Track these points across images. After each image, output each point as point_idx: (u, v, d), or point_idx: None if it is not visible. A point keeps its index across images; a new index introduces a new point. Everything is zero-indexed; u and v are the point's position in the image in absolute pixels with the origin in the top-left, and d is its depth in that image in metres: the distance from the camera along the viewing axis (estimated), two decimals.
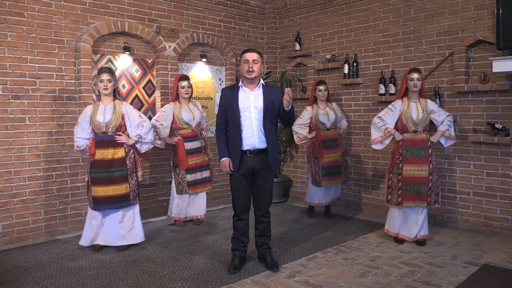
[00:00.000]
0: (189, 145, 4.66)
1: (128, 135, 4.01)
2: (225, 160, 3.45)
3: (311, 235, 4.48)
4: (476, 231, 4.55)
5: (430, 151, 4.08)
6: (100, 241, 4.01)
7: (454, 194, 4.71)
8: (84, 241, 3.99)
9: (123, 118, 3.94)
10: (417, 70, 4.12)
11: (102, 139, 3.89)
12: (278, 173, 6.36)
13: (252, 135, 3.40)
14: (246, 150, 3.41)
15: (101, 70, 3.93)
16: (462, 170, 4.65)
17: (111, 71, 3.95)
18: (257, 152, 3.42)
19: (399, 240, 4.20)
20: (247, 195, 3.52)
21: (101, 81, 3.88)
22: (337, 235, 4.49)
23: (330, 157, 5.03)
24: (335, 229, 4.73)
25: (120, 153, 3.91)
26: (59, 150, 4.52)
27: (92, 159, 3.87)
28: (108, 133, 3.89)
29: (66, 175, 4.57)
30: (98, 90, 3.97)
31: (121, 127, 3.94)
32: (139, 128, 4.01)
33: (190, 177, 4.68)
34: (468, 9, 4.53)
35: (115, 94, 4.03)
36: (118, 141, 3.91)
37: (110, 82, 3.90)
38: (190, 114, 4.70)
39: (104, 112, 3.90)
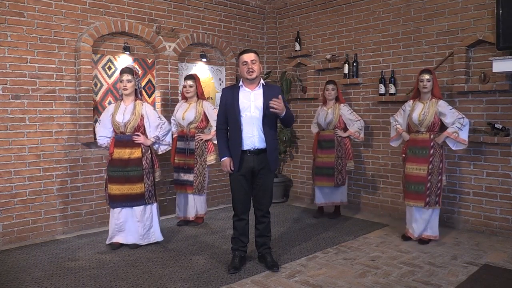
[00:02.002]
0: (178, 144, 4.77)
1: (146, 136, 4.04)
2: (226, 160, 3.45)
3: (311, 235, 4.48)
4: (476, 231, 4.55)
5: (431, 152, 4.08)
6: (120, 239, 4.05)
7: (454, 194, 4.71)
8: (108, 239, 4.08)
9: (142, 118, 3.99)
10: (428, 72, 4.14)
11: (121, 139, 3.95)
12: (278, 173, 6.36)
13: (252, 134, 3.40)
14: (246, 150, 3.41)
15: (122, 71, 3.97)
16: (462, 170, 4.65)
17: (131, 72, 3.98)
18: (257, 152, 3.42)
19: (406, 238, 4.25)
20: (247, 195, 3.52)
21: (121, 81, 3.94)
22: (337, 235, 4.49)
23: (322, 158, 5.08)
24: (335, 229, 4.73)
25: (136, 153, 3.96)
26: (59, 150, 4.52)
27: (110, 158, 3.94)
28: (127, 133, 3.94)
29: (66, 175, 4.57)
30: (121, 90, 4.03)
31: (140, 128, 3.99)
32: (157, 130, 4.06)
33: (174, 175, 4.82)
34: (468, 9, 4.53)
35: (137, 94, 4.07)
36: (136, 141, 3.96)
37: (129, 82, 3.94)
38: (181, 114, 4.71)
39: (124, 112, 3.96)
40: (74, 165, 4.62)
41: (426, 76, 4.10)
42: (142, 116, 4.00)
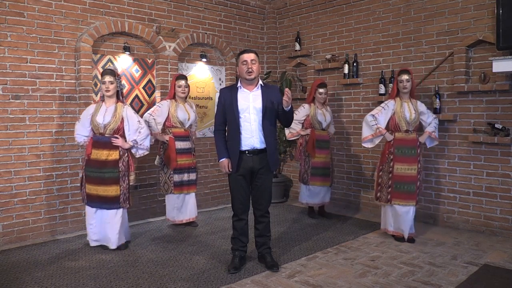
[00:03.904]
0: (179, 145, 4.64)
1: (125, 139, 4.01)
2: (224, 161, 3.45)
3: (311, 235, 4.48)
4: (476, 231, 4.55)
5: (419, 151, 4.16)
6: (101, 240, 4.05)
7: (454, 194, 4.71)
8: (89, 240, 4.08)
9: (122, 121, 3.96)
10: (406, 72, 4.18)
11: (99, 140, 3.93)
12: (278, 173, 6.36)
13: (252, 135, 3.40)
14: (245, 150, 3.41)
15: (104, 72, 3.96)
16: (462, 170, 4.65)
17: (113, 73, 3.97)
18: (256, 152, 3.42)
19: (399, 238, 4.24)
20: (246, 195, 3.52)
21: (103, 82, 3.92)
22: (337, 235, 4.49)
23: (321, 158, 5.07)
24: (335, 229, 4.72)
25: (114, 155, 3.93)
26: (59, 150, 4.52)
27: (87, 158, 3.93)
28: (106, 135, 3.92)
29: (66, 175, 4.57)
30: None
31: (119, 130, 3.96)
32: (136, 134, 4.00)
33: (177, 178, 4.65)
34: (468, 9, 4.53)
35: (119, 96, 4.06)
36: (114, 144, 3.93)
37: (112, 84, 3.92)
38: (186, 114, 4.69)
39: (105, 114, 3.94)
40: (74, 165, 4.61)
41: (406, 77, 4.15)
42: (122, 118, 3.96)
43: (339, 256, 3.84)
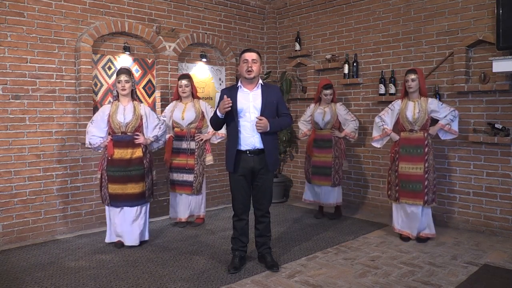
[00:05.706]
0: (176, 144, 4.72)
1: (143, 135, 4.12)
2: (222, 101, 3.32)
3: (311, 235, 4.48)
4: (476, 231, 4.55)
5: (426, 150, 4.13)
6: (120, 239, 4.10)
7: (454, 194, 4.71)
8: (107, 238, 4.15)
9: (141, 119, 4.05)
10: (413, 71, 4.19)
11: (122, 139, 3.97)
12: (278, 173, 6.36)
13: (252, 135, 3.40)
14: (246, 150, 3.41)
15: (120, 71, 4.01)
16: (462, 170, 4.65)
17: (129, 72, 4.04)
18: (257, 152, 3.42)
19: (404, 238, 4.25)
20: (246, 196, 3.52)
21: (119, 81, 3.97)
22: (337, 235, 4.49)
23: (320, 157, 5.06)
24: (335, 229, 4.73)
25: (138, 152, 4.02)
26: (59, 150, 4.52)
27: (110, 158, 3.95)
28: (128, 133, 3.96)
29: (66, 175, 4.57)
30: (116, 91, 4.05)
31: (139, 128, 4.05)
32: (156, 129, 4.15)
33: (171, 176, 4.76)
34: (468, 9, 4.53)
35: (133, 94, 4.12)
36: (136, 142, 4.01)
37: (127, 83, 3.98)
38: (181, 113, 4.69)
39: (124, 113, 3.99)
40: (74, 165, 4.61)
41: (412, 76, 4.16)
42: (141, 116, 4.06)
43: (339, 256, 3.84)
